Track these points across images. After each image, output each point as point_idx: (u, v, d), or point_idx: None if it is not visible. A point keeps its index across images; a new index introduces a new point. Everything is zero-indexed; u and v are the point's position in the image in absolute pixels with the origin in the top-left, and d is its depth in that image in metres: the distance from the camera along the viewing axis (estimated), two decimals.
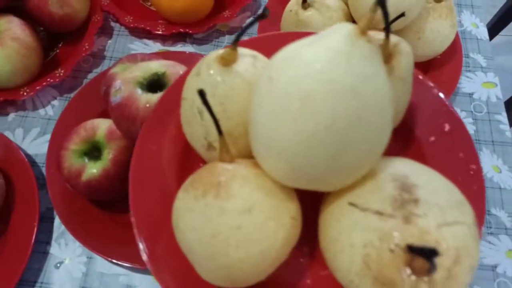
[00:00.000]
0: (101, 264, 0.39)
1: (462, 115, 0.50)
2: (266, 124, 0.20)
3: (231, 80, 0.24)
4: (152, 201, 0.29)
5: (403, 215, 0.20)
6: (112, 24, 0.53)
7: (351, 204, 0.22)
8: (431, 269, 0.18)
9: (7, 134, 0.45)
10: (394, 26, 0.41)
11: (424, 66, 0.49)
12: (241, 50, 0.26)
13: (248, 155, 0.25)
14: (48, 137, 0.45)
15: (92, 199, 0.41)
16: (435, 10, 0.43)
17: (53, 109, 0.47)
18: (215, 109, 0.25)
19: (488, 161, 0.46)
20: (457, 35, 0.50)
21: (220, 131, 0.22)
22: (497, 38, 0.92)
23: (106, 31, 0.52)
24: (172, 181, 0.30)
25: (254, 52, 0.27)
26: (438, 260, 0.20)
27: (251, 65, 0.25)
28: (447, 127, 0.30)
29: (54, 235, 0.40)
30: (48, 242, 0.40)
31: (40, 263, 0.39)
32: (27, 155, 0.44)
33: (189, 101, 0.26)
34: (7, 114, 0.46)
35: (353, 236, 0.21)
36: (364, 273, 0.21)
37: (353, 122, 0.19)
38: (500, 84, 0.51)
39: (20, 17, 0.44)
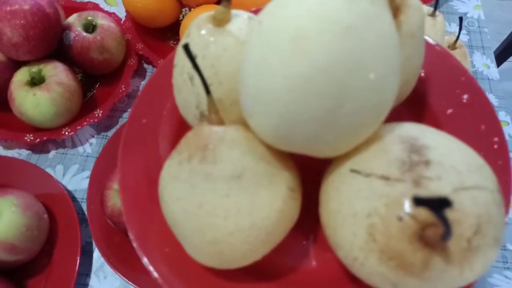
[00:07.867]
0: None
1: None
2: (253, 72, 0.18)
3: (223, 40, 0.22)
4: (140, 180, 0.27)
5: (412, 178, 0.18)
6: (145, 65, 0.55)
7: (353, 170, 0.20)
8: (446, 235, 0.15)
9: (49, 170, 0.47)
10: None
11: None
12: (236, 11, 0.24)
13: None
14: (86, 173, 0.47)
15: None
16: None
17: (91, 146, 0.49)
18: (206, 72, 0.23)
19: None
20: None
21: (207, 90, 0.20)
22: (505, 64, 1.01)
23: (139, 73, 0.54)
24: (164, 154, 0.28)
25: (250, 14, 0.25)
26: (455, 229, 0.17)
27: (245, 25, 0.23)
28: (466, 97, 0.27)
29: (94, 267, 0.42)
30: (87, 275, 0.41)
31: None
32: (68, 191, 0.45)
33: (179, 67, 0.24)
34: (48, 152, 0.48)
35: (355, 205, 0.19)
36: (369, 247, 0.18)
37: (352, 68, 0.16)
38: (509, 109, 0.52)
39: (62, 61, 0.47)
